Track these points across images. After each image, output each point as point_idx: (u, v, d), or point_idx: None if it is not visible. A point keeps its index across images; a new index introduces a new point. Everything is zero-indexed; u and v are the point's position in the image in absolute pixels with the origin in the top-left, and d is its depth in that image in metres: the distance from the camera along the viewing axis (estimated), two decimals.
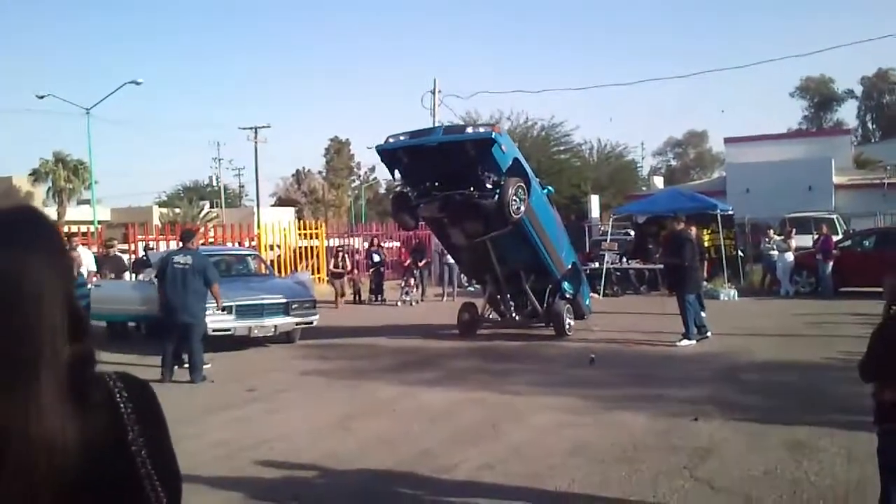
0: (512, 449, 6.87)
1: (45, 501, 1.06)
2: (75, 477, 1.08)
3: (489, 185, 12.64)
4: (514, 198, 12.46)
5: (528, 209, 12.88)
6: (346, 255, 23.17)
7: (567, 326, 14.04)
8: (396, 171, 13.73)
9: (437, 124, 29.82)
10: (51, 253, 1.18)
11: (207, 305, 11.13)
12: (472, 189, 12.74)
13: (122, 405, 1.20)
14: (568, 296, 14.50)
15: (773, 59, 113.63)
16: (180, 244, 11.63)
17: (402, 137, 13.17)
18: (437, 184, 13.16)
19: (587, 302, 15.86)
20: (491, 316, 15.25)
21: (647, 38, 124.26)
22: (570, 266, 14.79)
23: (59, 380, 1.10)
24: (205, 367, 10.92)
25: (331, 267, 22.93)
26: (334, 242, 26.32)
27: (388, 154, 13.34)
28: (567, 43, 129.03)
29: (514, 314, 14.67)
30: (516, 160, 13.05)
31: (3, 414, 1.05)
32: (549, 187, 15.57)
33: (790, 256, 20.76)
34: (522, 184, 12.74)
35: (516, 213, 12.56)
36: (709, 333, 12.98)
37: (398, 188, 14.94)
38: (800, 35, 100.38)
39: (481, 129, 13.15)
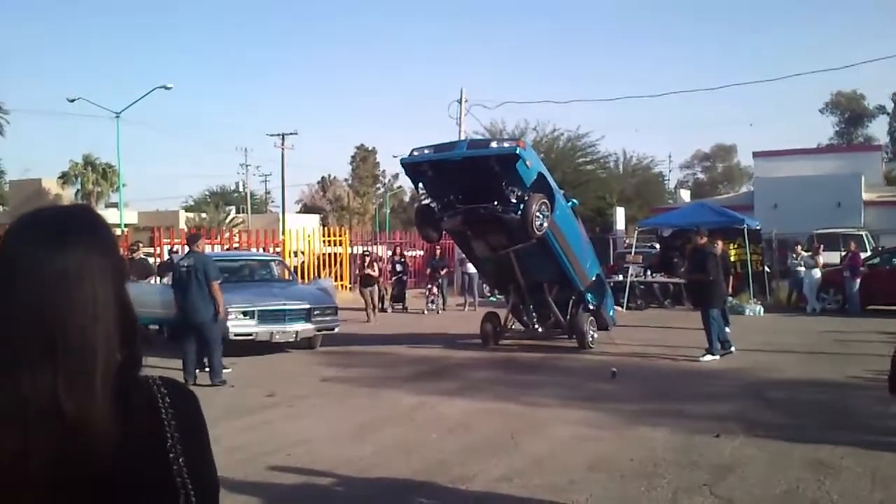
0: (531, 461, 6.82)
1: (86, 493, 1.09)
2: (114, 476, 1.10)
3: (513, 200, 12.57)
4: (538, 213, 12.39)
5: (551, 223, 12.80)
6: (375, 262, 21.90)
7: (590, 339, 13.96)
8: (420, 184, 13.73)
9: (463, 133, 30.02)
10: (107, 255, 1.21)
11: (230, 308, 11.18)
12: (495, 203, 12.65)
13: (163, 411, 1.21)
14: (591, 307, 14.43)
15: (802, 73, 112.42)
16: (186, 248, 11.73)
17: (426, 151, 13.10)
18: (460, 197, 13.07)
19: (611, 313, 15.77)
20: (513, 326, 15.19)
21: (676, 50, 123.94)
22: (594, 278, 14.70)
23: (108, 380, 1.12)
24: (225, 371, 10.99)
25: (366, 271, 20.44)
26: (358, 250, 26.20)
27: (412, 167, 13.29)
28: (595, 53, 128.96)
29: (536, 325, 14.61)
30: (541, 174, 12.96)
31: (55, 404, 1.08)
32: (574, 199, 15.50)
33: (817, 273, 20.53)
34: (546, 199, 12.65)
35: (539, 230, 12.49)
36: (733, 349, 12.84)
37: (422, 200, 14.93)
38: (831, 50, 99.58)
39: (506, 144, 13.00)
